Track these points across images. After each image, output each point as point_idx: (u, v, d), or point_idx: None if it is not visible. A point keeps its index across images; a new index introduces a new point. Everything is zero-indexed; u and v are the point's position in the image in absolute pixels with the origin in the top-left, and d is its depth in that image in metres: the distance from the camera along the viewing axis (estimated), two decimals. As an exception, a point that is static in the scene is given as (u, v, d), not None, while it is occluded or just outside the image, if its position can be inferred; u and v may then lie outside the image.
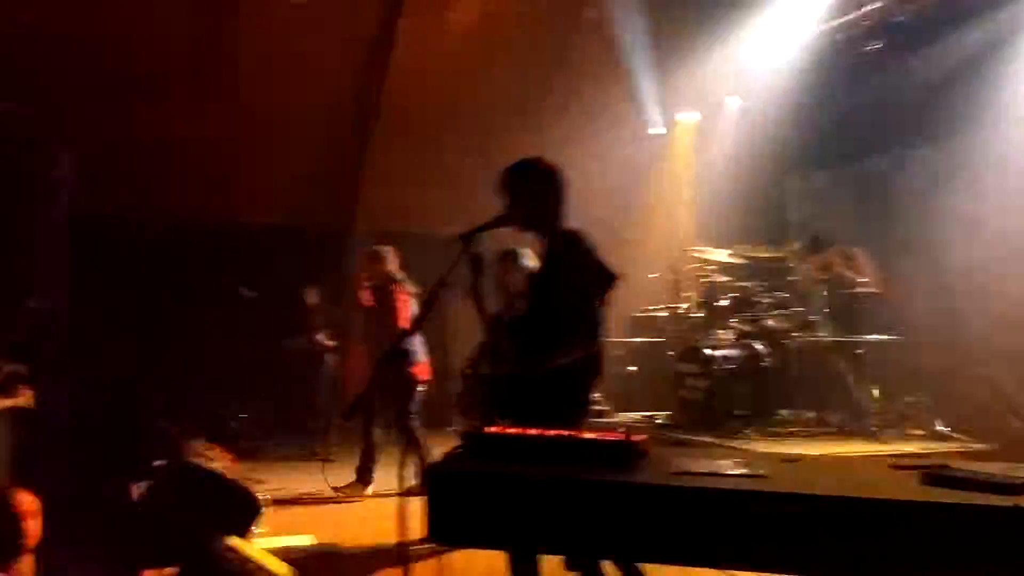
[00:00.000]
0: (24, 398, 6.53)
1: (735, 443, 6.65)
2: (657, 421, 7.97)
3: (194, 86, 8.77)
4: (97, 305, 8.42)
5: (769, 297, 7.86)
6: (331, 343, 7.60)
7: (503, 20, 9.49)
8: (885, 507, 1.78)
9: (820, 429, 7.14)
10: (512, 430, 2.20)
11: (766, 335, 7.66)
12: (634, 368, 8.89)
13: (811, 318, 7.47)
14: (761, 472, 2.04)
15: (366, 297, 6.67)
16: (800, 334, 7.50)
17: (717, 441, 6.79)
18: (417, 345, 6.35)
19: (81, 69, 8.10)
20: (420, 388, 6.30)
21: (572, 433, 2.17)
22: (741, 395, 7.23)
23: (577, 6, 9.56)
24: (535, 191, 3.30)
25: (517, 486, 1.93)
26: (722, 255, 8.16)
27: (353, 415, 4.03)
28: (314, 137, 9.75)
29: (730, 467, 2.09)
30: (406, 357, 5.34)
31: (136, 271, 8.77)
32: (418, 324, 3.86)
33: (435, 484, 2.01)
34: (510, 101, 10.06)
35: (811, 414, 7.43)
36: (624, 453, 2.10)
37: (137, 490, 6.01)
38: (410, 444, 6.15)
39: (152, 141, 8.82)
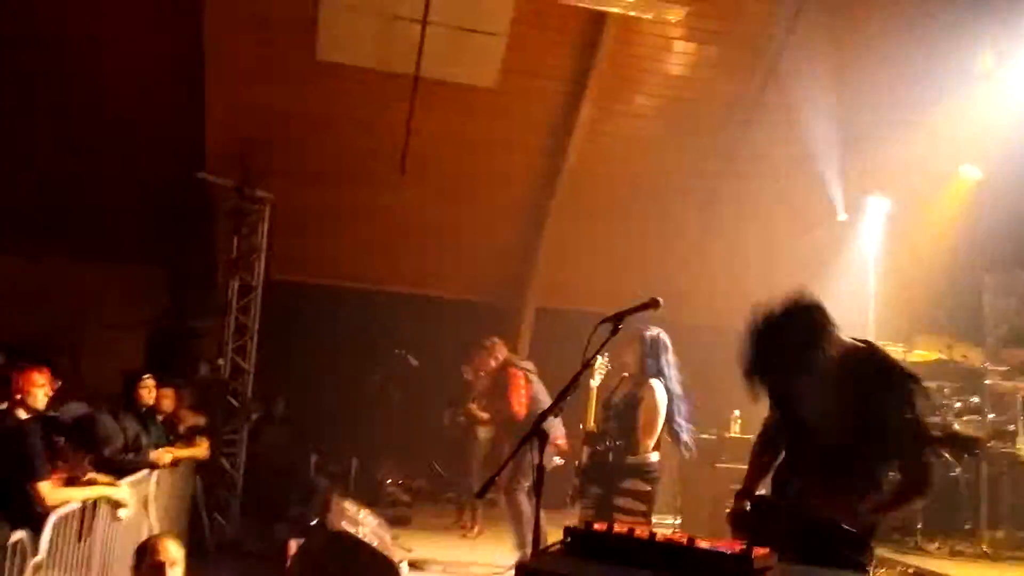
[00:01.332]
0: (202, 448, 7.04)
1: (913, 559, 6.05)
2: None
3: (388, 164, 9.36)
4: (277, 366, 8.97)
5: (959, 400, 7.18)
6: (484, 416, 7.76)
7: (684, 103, 9.51)
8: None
9: (1017, 552, 6.35)
10: (620, 529, 2.07)
11: (955, 443, 6.96)
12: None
13: (1009, 427, 6.73)
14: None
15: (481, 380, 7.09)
16: (995, 443, 6.77)
17: (896, 557, 6.19)
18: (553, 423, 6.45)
19: (289, 143, 8.83)
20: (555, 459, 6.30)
21: (686, 539, 2.02)
22: (924, 507, 6.59)
23: (759, 88, 9.41)
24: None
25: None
26: (906, 352, 7.55)
27: (484, 494, 4.01)
28: (494, 216, 10.11)
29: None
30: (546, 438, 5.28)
31: (314, 335, 9.26)
32: (560, 402, 3.81)
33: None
34: (689, 183, 10.00)
35: (1006, 534, 6.63)
36: (741, 568, 1.93)
37: (295, 544, 6.26)
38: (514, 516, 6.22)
39: (345, 215, 9.42)
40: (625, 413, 4.88)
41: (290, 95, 8.72)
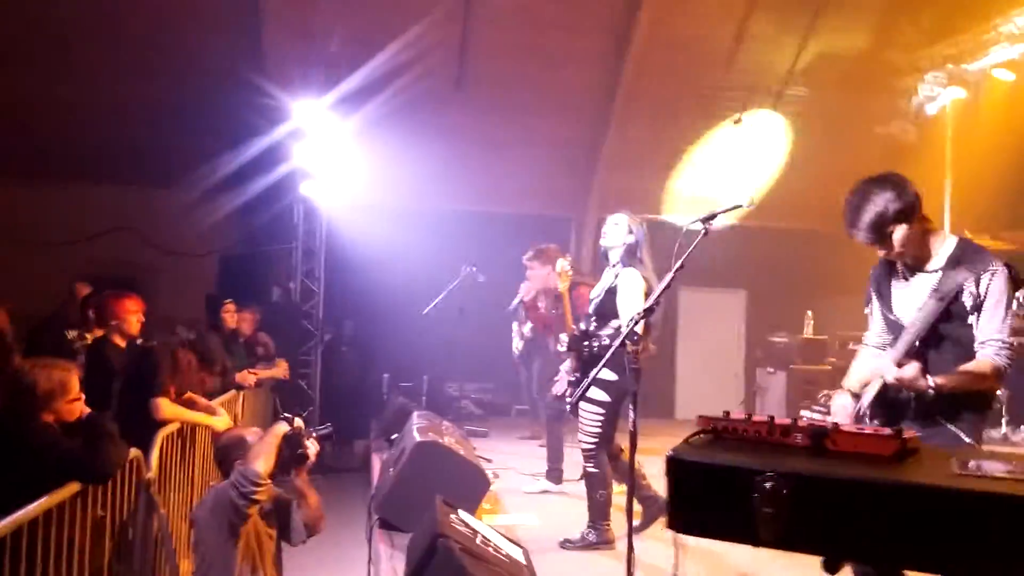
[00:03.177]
0: (281, 368, 7.26)
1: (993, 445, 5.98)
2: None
3: (444, 82, 9.19)
4: (344, 288, 9.05)
5: (1045, 292, 6.96)
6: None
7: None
8: None
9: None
10: (759, 418, 2.03)
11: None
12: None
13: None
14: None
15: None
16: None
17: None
18: None
19: (346, 64, 8.69)
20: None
21: (834, 426, 1.97)
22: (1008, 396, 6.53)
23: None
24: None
25: (764, 480, 1.76)
26: (984, 242, 7.34)
27: (576, 408, 4.00)
28: (554, 128, 9.96)
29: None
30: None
31: (379, 256, 9.29)
32: (648, 310, 3.75)
33: (675, 471, 1.88)
34: (755, 86, 9.68)
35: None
36: (895, 448, 1.88)
37: (379, 458, 6.42)
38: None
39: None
40: (603, 303, 4.66)
41: (345, 16, 8.58)
